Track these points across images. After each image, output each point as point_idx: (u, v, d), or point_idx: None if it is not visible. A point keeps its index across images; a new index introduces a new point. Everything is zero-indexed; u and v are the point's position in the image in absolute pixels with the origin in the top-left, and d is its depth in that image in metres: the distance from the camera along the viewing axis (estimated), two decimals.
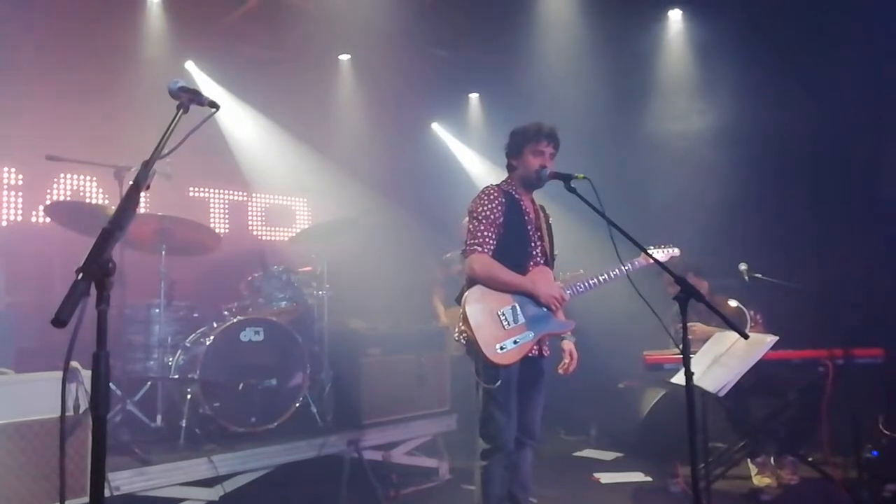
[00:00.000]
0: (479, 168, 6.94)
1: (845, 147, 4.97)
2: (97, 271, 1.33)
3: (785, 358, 3.92)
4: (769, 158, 5.10)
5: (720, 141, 5.38)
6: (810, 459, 3.93)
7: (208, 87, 5.78)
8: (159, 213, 3.91)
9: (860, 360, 3.81)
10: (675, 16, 5.72)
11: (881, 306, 4.44)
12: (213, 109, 1.80)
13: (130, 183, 1.65)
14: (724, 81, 5.33)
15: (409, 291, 5.56)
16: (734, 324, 2.34)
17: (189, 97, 1.78)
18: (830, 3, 4.68)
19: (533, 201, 3.10)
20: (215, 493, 3.51)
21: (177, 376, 3.84)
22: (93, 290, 1.37)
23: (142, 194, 1.65)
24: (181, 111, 1.75)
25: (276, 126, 6.08)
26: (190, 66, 5.72)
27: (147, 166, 1.57)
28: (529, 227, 3.00)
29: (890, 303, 4.49)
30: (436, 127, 7.21)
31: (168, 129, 1.65)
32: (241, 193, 6.17)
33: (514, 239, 2.93)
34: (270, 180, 6.12)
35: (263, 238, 6.24)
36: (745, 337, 2.28)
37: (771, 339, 3.09)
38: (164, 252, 3.89)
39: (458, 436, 4.65)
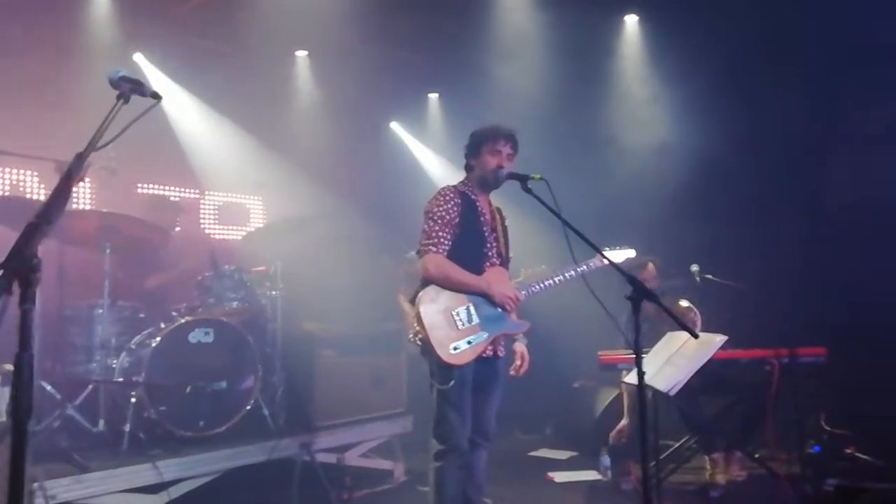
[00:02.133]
0: (438, 168, 6.91)
1: (791, 154, 5.12)
2: (20, 268, 1.25)
3: (733, 357, 4.02)
4: (719, 163, 5.22)
5: (672, 145, 5.49)
6: (757, 455, 4.03)
7: (158, 80, 5.60)
8: (103, 210, 3.75)
9: (804, 358, 3.92)
10: (632, 20, 5.80)
11: (823, 306, 4.59)
12: (156, 101, 1.72)
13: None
14: (676, 87, 5.44)
15: (365, 292, 5.47)
16: (685, 324, 2.36)
17: (130, 87, 1.71)
18: (777, 14, 4.81)
19: (490, 203, 3.09)
20: (160, 499, 3.39)
21: (121, 379, 3.69)
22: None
23: (81, 187, 1.57)
24: (121, 101, 1.67)
25: (229, 122, 5.93)
26: (139, 57, 5.53)
27: (80, 158, 1.49)
28: (485, 229, 2.99)
29: (831, 303, 4.64)
30: (395, 126, 7.15)
31: (105, 119, 1.57)
32: (192, 191, 5.99)
33: (470, 240, 2.92)
34: (224, 178, 5.96)
35: (216, 237, 6.08)
36: (696, 337, 2.30)
37: (720, 339, 3.15)
38: (108, 250, 3.74)
39: (415, 437, 4.62)
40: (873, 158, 4.73)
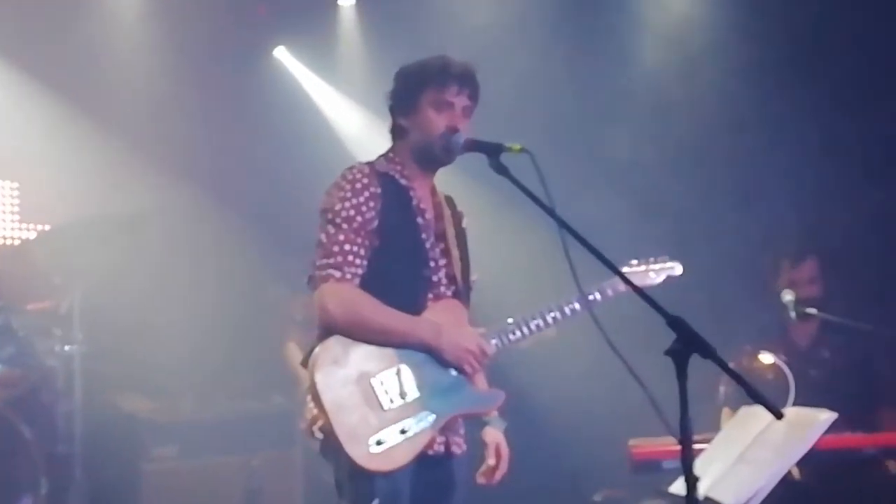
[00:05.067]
0: (357, 124, 6.92)
1: None
2: None
3: (853, 446, 4.09)
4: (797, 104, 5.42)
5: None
6: None
7: None
8: None
9: None
10: None
11: None
12: None
13: None
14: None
15: (234, 344, 5.55)
16: (764, 396, 2.38)
17: None
18: None
19: (434, 190, 3.14)
20: None
21: None
22: None
23: None
24: None
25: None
26: None
27: None
28: (426, 235, 3.02)
29: None
30: (281, 54, 7.14)
31: None
32: None
33: (400, 254, 2.94)
34: None
35: None
36: (778, 416, 2.32)
37: (826, 418, 3.20)
38: None
39: None
40: None
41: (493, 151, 2.71)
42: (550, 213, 2.53)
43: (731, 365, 4.25)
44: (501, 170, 2.68)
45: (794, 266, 4.58)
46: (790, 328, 4.58)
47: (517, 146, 2.69)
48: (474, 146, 2.84)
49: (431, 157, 3.02)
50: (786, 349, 4.46)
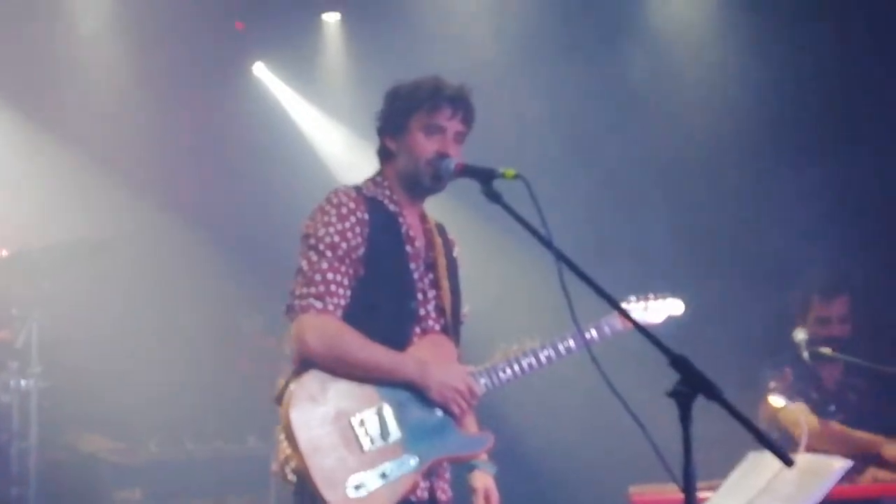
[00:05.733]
0: (340, 145, 6.94)
1: None
2: None
3: (871, 496, 4.09)
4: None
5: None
6: None
7: None
8: None
9: None
10: None
11: None
12: None
13: None
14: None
15: (205, 381, 5.54)
16: (772, 441, 2.37)
17: None
18: None
19: (424, 217, 3.14)
20: None
21: None
22: None
23: None
24: None
25: None
26: None
27: None
28: (414, 264, 3.02)
29: None
30: (261, 70, 7.17)
31: None
32: None
33: (386, 285, 2.93)
34: None
35: None
36: (789, 463, 2.32)
37: (841, 466, 3.19)
38: None
39: None
40: None
41: (485, 177, 2.70)
42: (547, 243, 2.51)
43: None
44: (494, 197, 2.67)
45: (824, 302, 4.53)
46: (821, 369, 4.54)
47: (511, 172, 2.66)
48: (465, 172, 2.83)
49: (419, 184, 3.01)
50: (816, 389, 4.45)
